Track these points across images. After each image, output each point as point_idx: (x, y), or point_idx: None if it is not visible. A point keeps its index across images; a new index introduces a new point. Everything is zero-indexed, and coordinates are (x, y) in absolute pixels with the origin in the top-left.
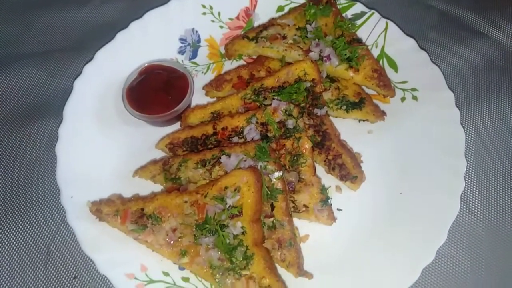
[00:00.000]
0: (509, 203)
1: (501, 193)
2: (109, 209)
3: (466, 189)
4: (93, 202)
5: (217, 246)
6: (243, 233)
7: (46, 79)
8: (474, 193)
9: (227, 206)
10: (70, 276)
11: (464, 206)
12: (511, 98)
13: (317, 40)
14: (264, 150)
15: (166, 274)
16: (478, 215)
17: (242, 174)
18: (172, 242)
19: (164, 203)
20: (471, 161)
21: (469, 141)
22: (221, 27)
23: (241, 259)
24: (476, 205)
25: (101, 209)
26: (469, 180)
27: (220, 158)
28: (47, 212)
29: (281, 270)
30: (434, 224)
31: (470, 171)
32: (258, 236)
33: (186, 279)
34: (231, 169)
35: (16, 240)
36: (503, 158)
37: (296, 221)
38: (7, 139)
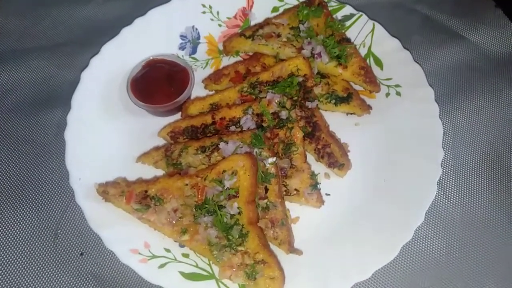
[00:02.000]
0: (482, 190)
1: (475, 181)
2: (115, 190)
3: (443, 176)
4: (100, 184)
5: (215, 225)
6: (239, 213)
7: (54, 71)
8: (450, 181)
9: (225, 188)
10: (77, 253)
11: (442, 192)
12: (485, 95)
13: (309, 38)
14: (259, 138)
15: (167, 250)
16: (454, 200)
17: (239, 158)
18: (173, 221)
19: (166, 186)
20: (448, 152)
21: (446, 134)
22: (220, 25)
23: (237, 236)
24: (452, 192)
25: (107, 190)
26: (447, 169)
27: (219, 144)
28: (56, 193)
29: (274, 247)
30: (413, 206)
31: (448, 160)
32: (253, 216)
33: (186, 255)
34: (229, 155)
35: (26, 218)
36: (477, 149)
37: (288, 204)
38: (18, 126)
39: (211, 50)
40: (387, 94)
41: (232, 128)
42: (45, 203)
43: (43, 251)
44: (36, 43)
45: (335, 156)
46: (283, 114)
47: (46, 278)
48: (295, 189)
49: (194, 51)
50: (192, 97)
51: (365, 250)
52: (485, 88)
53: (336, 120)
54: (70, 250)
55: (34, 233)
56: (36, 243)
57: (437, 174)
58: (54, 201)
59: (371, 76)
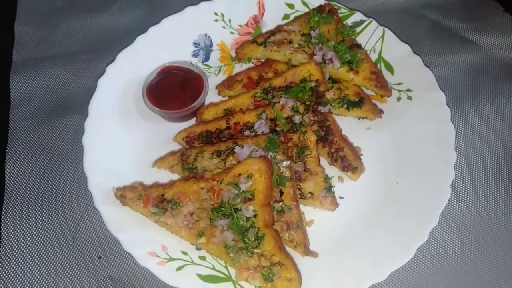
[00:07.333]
0: (494, 193)
1: (487, 184)
2: (132, 194)
3: (456, 180)
4: (118, 188)
5: (231, 228)
6: (255, 216)
7: (70, 78)
8: (463, 184)
9: (241, 191)
10: (95, 256)
11: (455, 196)
12: (496, 99)
13: (320, 44)
14: (273, 141)
15: (184, 253)
16: (467, 203)
17: (254, 162)
18: (190, 224)
19: (183, 189)
20: (461, 155)
21: (459, 137)
22: (232, 33)
23: (253, 239)
24: (466, 194)
25: (125, 194)
26: (459, 172)
27: (234, 148)
28: (74, 198)
29: (289, 250)
30: (427, 209)
31: (460, 164)
32: (268, 219)
33: (202, 258)
34: (244, 159)
35: (45, 222)
36: (490, 152)
37: (302, 207)
38: (36, 132)
39: (223, 57)
40: (398, 99)
41: (246, 132)
42: (64, 208)
43: (62, 254)
44: (52, 51)
45: (348, 160)
46: (297, 118)
47: (65, 281)
48: (310, 192)
49: (207, 58)
50: (206, 103)
51: (380, 252)
52: (495, 92)
53: (348, 125)
54: (89, 254)
55: (53, 236)
56: (55, 247)
57: (451, 177)
58: (72, 205)
59: (382, 81)
